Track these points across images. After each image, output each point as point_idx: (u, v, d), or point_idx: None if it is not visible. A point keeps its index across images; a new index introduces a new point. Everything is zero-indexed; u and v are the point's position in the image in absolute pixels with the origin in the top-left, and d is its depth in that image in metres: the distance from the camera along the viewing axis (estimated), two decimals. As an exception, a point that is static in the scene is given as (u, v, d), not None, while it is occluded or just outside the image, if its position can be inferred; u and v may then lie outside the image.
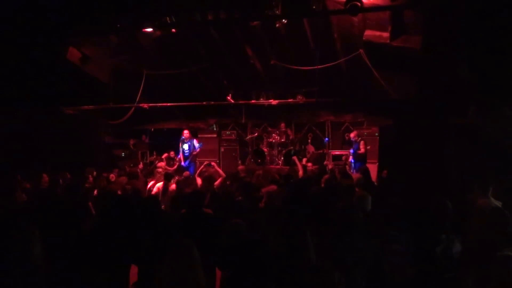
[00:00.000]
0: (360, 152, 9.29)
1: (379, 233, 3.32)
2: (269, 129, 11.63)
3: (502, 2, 5.61)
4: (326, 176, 6.51)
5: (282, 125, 11.15)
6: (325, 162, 9.89)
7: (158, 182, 6.87)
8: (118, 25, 7.44)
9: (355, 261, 3.01)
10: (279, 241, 3.15)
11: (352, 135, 9.74)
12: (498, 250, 2.79)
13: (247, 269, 2.95)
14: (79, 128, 10.45)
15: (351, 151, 9.69)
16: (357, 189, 4.89)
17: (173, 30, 7.81)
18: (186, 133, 9.93)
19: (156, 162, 9.76)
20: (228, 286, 3.08)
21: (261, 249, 3.13)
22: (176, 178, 7.59)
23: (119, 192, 5.93)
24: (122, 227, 3.78)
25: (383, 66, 8.17)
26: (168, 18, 7.43)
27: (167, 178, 6.59)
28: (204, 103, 10.16)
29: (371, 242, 3.19)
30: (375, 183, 7.65)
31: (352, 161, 9.63)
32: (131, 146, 12.20)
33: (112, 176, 7.67)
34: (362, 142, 9.38)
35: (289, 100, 10.15)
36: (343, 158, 10.55)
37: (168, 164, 9.69)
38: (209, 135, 11.78)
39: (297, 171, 7.72)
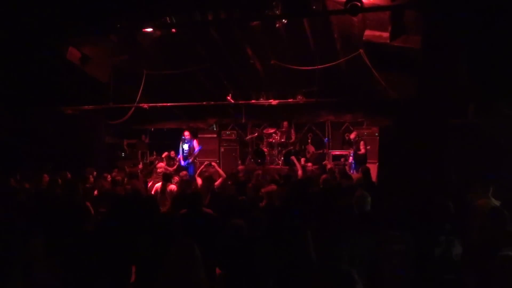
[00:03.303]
0: (360, 152, 9.27)
1: (378, 233, 3.32)
2: (269, 129, 11.61)
3: (502, 2, 5.61)
4: (324, 176, 6.51)
5: (285, 123, 11.09)
6: (324, 162, 9.88)
7: (156, 183, 6.85)
8: (118, 25, 7.44)
9: (352, 259, 3.01)
10: (280, 240, 3.16)
11: (352, 135, 9.72)
12: (498, 250, 2.79)
13: (246, 268, 2.96)
14: (79, 128, 10.45)
15: (352, 152, 9.65)
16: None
17: (173, 30, 7.81)
18: (187, 134, 9.99)
19: (156, 162, 9.77)
20: (227, 285, 3.08)
21: (261, 248, 3.14)
22: (176, 178, 7.59)
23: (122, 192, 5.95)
24: (122, 227, 3.78)
25: (383, 66, 8.17)
26: (168, 18, 7.43)
27: (166, 178, 6.57)
28: (204, 103, 10.15)
29: (369, 241, 3.19)
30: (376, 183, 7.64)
31: (352, 161, 9.60)
32: (125, 147, 12.20)
33: (109, 177, 7.64)
34: (362, 143, 9.35)
35: (289, 100, 10.14)
36: (342, 160, 10.54)
37: (168, 164, 9.69)
38: (209, 135, 11.77)
39: (296, 171, 7.73)
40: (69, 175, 7.06)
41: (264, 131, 11.38)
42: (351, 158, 9.80)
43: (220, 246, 3.30)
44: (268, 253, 3.11)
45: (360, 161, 9.13)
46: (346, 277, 1.94)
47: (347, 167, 9.60)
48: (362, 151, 9.25)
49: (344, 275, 1.96)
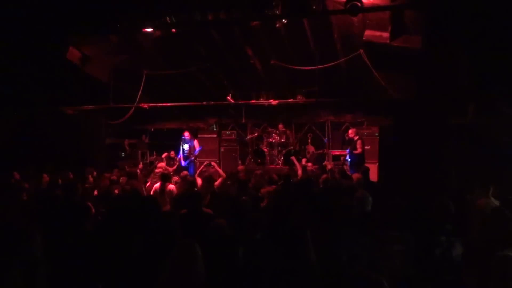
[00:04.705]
0: (356, 152, 9.03)
1: (378, 233, 3.32)
2: (269, 129, 11.63)
3: (502, 2, 5.61)
4: (324, 176, 6.51)
5: (280, 126, 11.11)
6: (324, 163, 9.86)
7: (155, 183, 6.85)
8: (118, 25, 7.44)
9: (351, 258, 3.02)
10: (279, 240, 3.16)
11: (350, 131, 9.56)
12: (498, 250, 2.79)
13: (231, 268, 2.97)
14: (79, 128, 10.45)
15: (347, 150, 9.51)
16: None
17: (173, 30, 7.81)
18: (187, 134, 10.00)
19: (156, 162, 9.77)
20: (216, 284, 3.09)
21: (246, 248, 3.16)
22: (175, 178, 7.59)
23: (116, 191, 5.95)
24: (121, 227, 3.78)
25: (383, 66, 8.17)
26: (168, 18, 7.43)
27: (164, 178, 6.57)
28: (204, 103, 10.16)
29: (369, 241, 3.19)
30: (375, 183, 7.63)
31: (348, 159, 9.40)
32: (126, 147, 12.20)
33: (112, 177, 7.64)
34: (359, 142, 9.08)
35: (289, 100, 10.15)
36: (342, 158, 10.51)
37: (168, 164, 9.70)
38: (209, 135, 11.77)
39: (296, 171, 7.73)
40: (71, 175, 7.06)
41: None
42: (346, 156, 9.61)
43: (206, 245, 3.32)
44: (254, 253, 3.13)
45: (357, 161, 8.92)
46: (376, 286, 1.94)
47: (345, 167, 9.51)
48: (359, 150, 8.99)
49: (374, 283, 1.95)
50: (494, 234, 3.30)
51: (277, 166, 10.53)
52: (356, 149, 9.06)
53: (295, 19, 7.77)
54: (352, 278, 2.05)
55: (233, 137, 11.73)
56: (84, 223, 4.01)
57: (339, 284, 2.63)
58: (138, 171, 8.61)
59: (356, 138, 9.22)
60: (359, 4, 6.02)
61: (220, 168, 7.96)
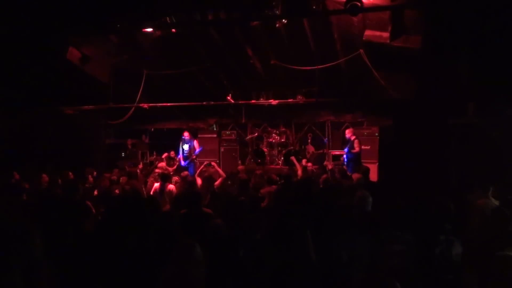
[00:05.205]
0: (354, 151, 8.96)
1: (378, 233, 3.32)
2: (269, 129, 11.64)
3: (502, 2, 5.62)
4: (324, 176, 6.51)
5: (281, 127, 11.21)
6: (325, 163, 9.85)
7: (155, 183, 6.85)
8: (118, 25, 7.44)
9: (351, 258, 3.02)
10: (280, 240, 3.16)
11: (347, 131, 9.54)
12: (498, 250, 2.79)
13: (226, 267, 2.98)
14: (79, 128, 10.45)
15: (346, 149, 9.50)
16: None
17: (173, 30, 7.81)
18: (186, 134, 10.00)
19: (157, 162, 9.77)
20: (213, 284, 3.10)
21: (242, 248, 3.17)
22: (175, 178, 7.59)
23: (116, 191, 5.95)
24: (120, 227, 3.78)
25: (383, 66, 8.18)
26: (168, 18, 7.43)
27: (163, 178, 6.57)
28: (204, 103, 10.16)
29: (369, 241, 3.19)
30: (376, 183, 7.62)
31: (345, 158, 9.36)
32: (129, 146, 12.20)
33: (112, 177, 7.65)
34: (356, 141, 9.00)
35: (289, 100, 10.15)
36: (341, 158, 10.49)
37: (168, 164, 9.70)
38: (209, 135, 11.76)
39: (296, 171, 7.72)
40: (71, 175, 7.06)
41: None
42: (344, 157, 9.58)
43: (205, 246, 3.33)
44: (254, 253, 3.13)
45: (354, 159, 8.89)
46: None
47: (344, 167, 9.48)
48: (356, 149, 8.93)
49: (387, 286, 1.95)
50: (494, 234, 3.31)
51: (277, 166, 10.53)
52: (354, 148, 9.06)
53: (295, 19, 7.77)
54: (364, 281, 2.04)
55: (233, 137, 11.72)
56: (84, 223, 4.01)
57: (339, 284, 2.64)
58: (138, 171, 8.60)
59: (353, 138, 9.20)
60: (359, 4, 6.02)
61: (220, 168, 7.96)
